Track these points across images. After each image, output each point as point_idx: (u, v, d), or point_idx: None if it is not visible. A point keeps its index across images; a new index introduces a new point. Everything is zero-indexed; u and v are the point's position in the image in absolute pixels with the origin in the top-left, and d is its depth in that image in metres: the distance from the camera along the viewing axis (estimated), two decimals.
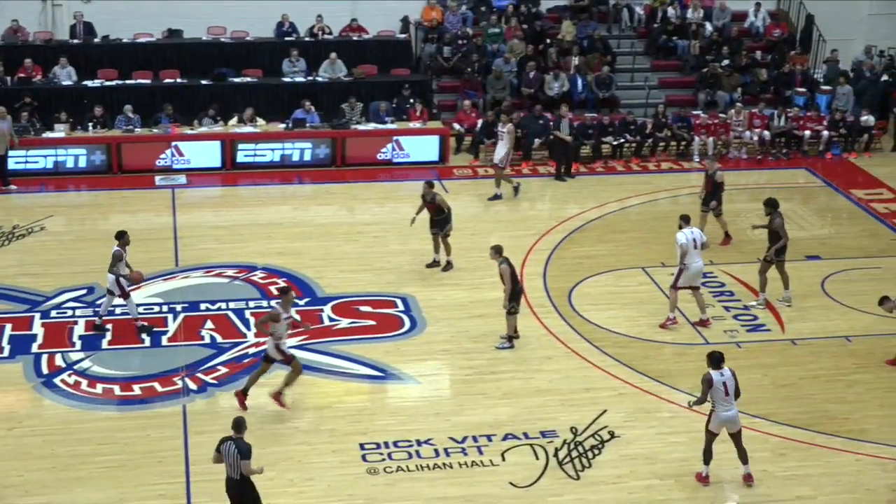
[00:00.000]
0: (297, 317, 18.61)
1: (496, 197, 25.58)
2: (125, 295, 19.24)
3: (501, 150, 25.42)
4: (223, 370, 18.28)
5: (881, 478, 15.77)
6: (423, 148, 28.05)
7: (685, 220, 19.97)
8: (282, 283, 20.72)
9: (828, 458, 16.20)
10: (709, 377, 15.00)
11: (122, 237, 19.30)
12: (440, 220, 21.68)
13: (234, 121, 27.97)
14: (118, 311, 19.93)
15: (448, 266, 21.89)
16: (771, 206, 20.59)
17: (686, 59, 32.49)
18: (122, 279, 19.04)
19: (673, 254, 20.06)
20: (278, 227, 24.08)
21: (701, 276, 20.04)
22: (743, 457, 15.39)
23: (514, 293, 18.81)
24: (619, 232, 24.12)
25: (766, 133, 29.28)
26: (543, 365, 18.64)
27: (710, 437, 15.28)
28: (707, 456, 15.38)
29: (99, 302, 19.88)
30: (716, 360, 15.15)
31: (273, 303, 17.03)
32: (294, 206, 25.57)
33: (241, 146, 27.36)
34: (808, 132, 29.51)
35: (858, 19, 35.46)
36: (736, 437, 15.29)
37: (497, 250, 18.89)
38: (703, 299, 20.10)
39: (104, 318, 19.51)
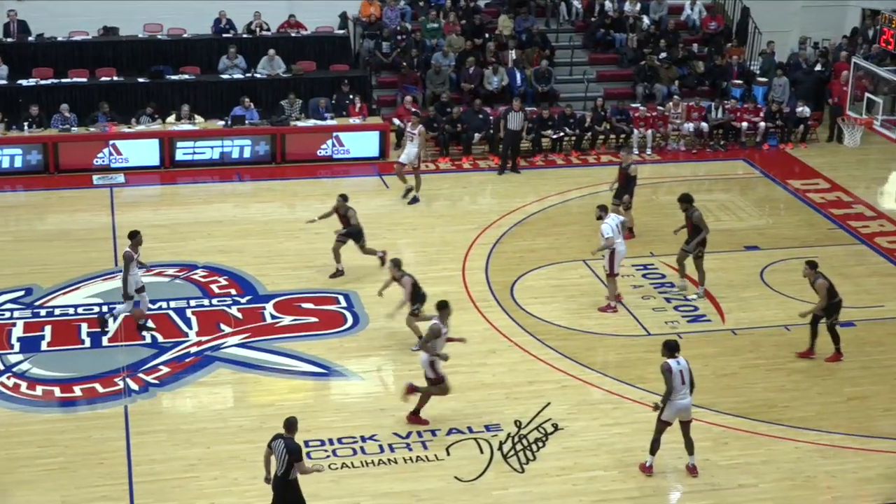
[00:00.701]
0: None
1: (410, 196, 25.26)
2: (126, 297, 18.98)
3: (412, 150, 25.09)
4: (165, 370, 18.15)
5: (820, 464, 15.98)
6: (363, 144, 27.98)
7: (604, 210, 20.35)
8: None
9: (769, 446, 16.39)
10: (667, 366, 15.12)
11: (134, 237, 19.09)
12: (351, 231, 21.48)
13: (171, 118, 27.76)
14: (57, 311, 19.79)
15: (382, 261, 21.69)
16: (686, 201, 20.70)
17: (624, 53, 32.66)
18: (128, 280, 18.83)
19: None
20: (219, 225, 23.94)
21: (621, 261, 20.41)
22: (689, 447, 15.52)
23: (420, 298, 18.81)
24: (560, 225, 24.22)
25: (704, 125, 29.52)
26: (487, 359, 18.69)
27: (662, 426, 15.37)
28: (655, 446, 15.48)
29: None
30: (671, 347, 15.30)
31: (434, 319, 16.72)
32: (234, 203, 25.43)
33: (179, 144, 27.15)
34: (745, 124, 29.79)
35: (793, 11, 35.84)
36: (686, 426, 15.41)
37: (396, 264, 18.88)
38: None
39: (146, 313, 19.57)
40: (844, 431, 16.79)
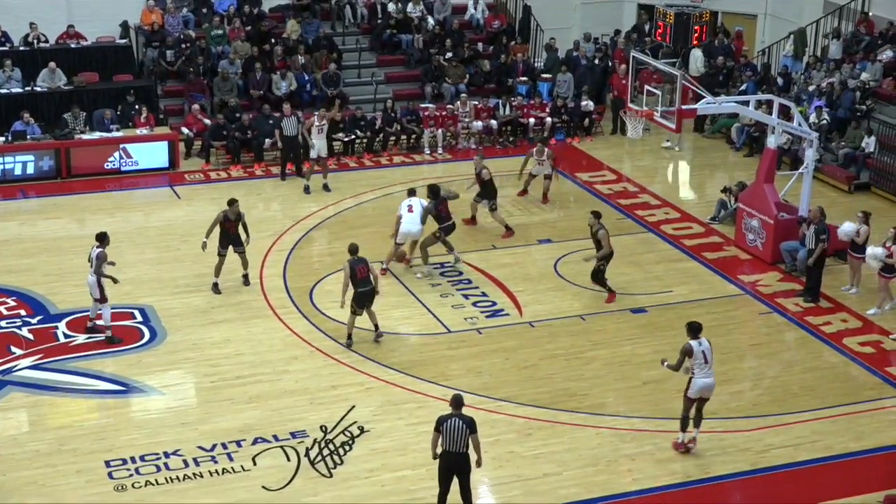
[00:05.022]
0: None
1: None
2: (104, 299, 19.01)
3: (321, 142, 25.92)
4: None
5: (620, 448, 16.42)
6: (151, 154, 27.46)
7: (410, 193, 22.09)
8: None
9: (571, 434, 16.76)
10: (688, 347, 15.67)
11: (103, 239, 19.08)
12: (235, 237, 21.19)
13: None
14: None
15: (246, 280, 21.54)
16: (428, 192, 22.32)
17: (411, 53, 32.91)
18: (102, 281, 18.90)
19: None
20: (4, 245, 23.17)
21: None
22: (698, 422, 16.16)
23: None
24: (356, 227, 24.23)
25: (493, 122, 29.99)
26: (289, 366, 18.59)
27: (689, 403, 15.99)
28: (684, 423, 16.10)
29: None
30: (694, 329, 15.84)
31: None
32: (20, 221, 24.64)
33: None
34: (532, 120, 30.38)
35: (573, 8, 36.74)
36: (703, 402, 16.06)
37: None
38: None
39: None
40: (642, 415, 17.31)
